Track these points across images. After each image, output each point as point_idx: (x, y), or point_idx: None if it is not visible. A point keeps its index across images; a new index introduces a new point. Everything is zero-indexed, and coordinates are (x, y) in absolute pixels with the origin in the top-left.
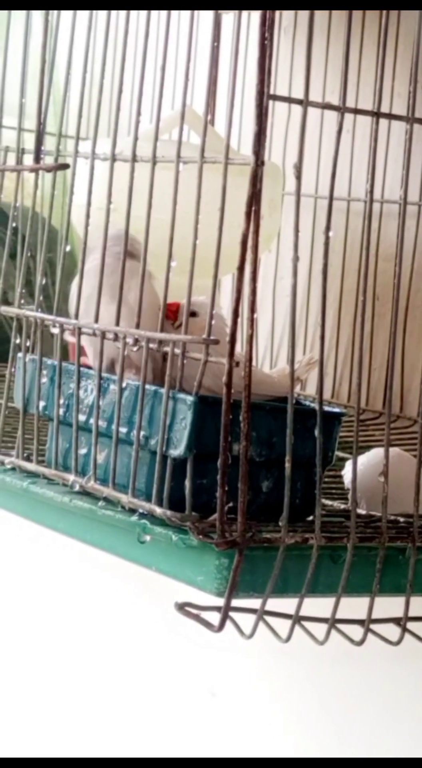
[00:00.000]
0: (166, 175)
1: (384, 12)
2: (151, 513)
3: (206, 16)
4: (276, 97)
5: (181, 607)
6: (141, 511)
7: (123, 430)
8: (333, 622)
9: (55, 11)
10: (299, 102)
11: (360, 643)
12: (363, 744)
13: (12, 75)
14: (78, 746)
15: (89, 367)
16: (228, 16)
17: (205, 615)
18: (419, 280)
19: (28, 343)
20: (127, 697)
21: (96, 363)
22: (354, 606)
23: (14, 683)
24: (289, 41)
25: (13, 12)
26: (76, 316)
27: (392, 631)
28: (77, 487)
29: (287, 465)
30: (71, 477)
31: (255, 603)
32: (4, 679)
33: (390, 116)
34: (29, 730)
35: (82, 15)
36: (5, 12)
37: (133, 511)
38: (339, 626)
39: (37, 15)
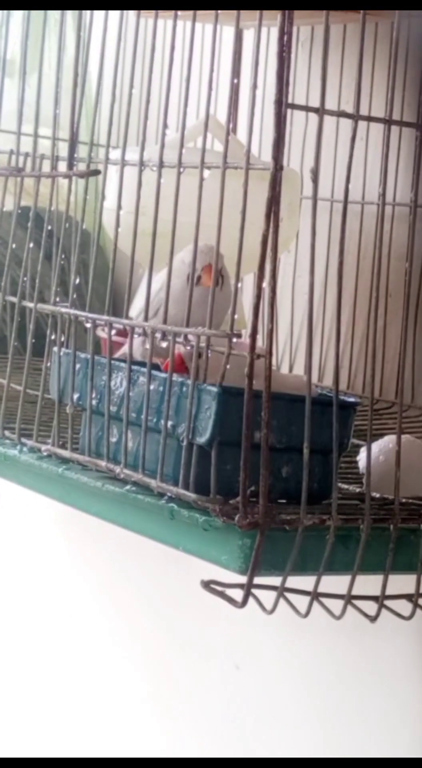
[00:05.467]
0: (191, 181)
1: (395, 26)
2: (178, 497)
3: (228, 31)
4: (294, 106)
5: (207, 585)
6: (169, 495)
7: (152, 419)
8: (349, 598)
9: (86, 31)
10: (315, 110)
11: (375, 618)
12: (377, 708)
13: (47, 88)
14: (107, 717)
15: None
16: (249, 31)
17: (229, 592)
18: None
19: (62, 338)
20: (158, 670)
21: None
22: (368, 583)
23: (43, 657)
24: (306, 54)
25: (47, 28)
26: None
27: (404, 607)
28: (118, 471)
29: (305, 451)
30: (103, 463)
31: (275, 580)
32: (34, 652)
33: (401, 123)
34: (56, 700)
35: (112, 31)
36: (40, 28)
37: (161, 495)
38: (355, 602)
39: (70, 31)
